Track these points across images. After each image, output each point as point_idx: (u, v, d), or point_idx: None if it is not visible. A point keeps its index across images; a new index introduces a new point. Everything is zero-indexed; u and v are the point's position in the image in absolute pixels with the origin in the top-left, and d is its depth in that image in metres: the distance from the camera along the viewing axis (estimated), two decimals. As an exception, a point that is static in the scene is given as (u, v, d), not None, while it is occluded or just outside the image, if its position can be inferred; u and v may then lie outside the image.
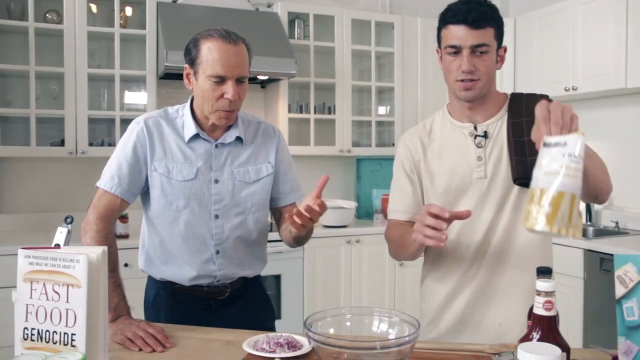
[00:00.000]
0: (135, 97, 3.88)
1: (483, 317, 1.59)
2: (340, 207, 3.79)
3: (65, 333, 1.14)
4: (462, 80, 1.53)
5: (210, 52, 1.59)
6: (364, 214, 4.36)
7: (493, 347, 1.38)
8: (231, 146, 1.73)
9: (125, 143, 1.71)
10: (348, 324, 1.32)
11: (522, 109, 1.59)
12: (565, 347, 1.08)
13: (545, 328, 1.09)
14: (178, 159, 1.69)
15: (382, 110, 4.53)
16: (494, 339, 1.51)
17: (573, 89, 3.66)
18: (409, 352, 1.19)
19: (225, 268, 1.72)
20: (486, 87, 1.56)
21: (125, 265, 3.10)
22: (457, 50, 1.51)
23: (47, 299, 1.16)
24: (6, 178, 3.67)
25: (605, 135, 3.86)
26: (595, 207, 3.85)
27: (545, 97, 1.57)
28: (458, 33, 1.50)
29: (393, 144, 4.33)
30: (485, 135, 1.60)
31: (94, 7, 3.68)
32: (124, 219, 3.35)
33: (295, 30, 4.11)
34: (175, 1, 3.83)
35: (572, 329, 3.18)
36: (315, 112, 4.16)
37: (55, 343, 1.15)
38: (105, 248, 1.20)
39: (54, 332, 1.15)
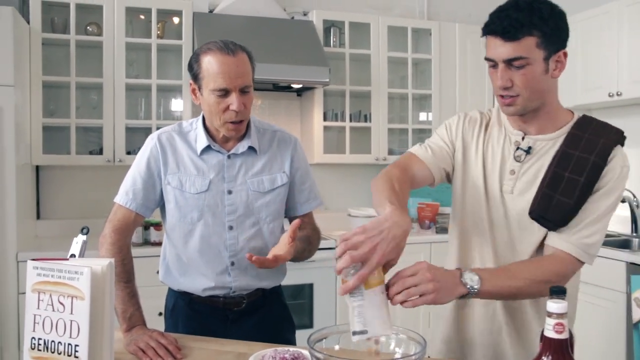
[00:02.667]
0: (171, 106, 3.95)
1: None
2: (371, 215, 3.74)
3: (69, 344, 1.16)
4: (502, 96, 1.40)
5: (210, 65, 1.59)
6: (400, 222, 4.29)
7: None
8: (244, 156, 1.73)
9: (140, 158, 1.74)
10: (355, 340, 1.28)
11: (582, 141, 1.39)
12: (577, 373, 1.02)
13: (557, 352, 1.03)
14: (191, 172, 1.70)
15: (419, 117, 4.46)
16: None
17: (617, 95, 3.52)
18: (415, 371, 1.15)
19: (240, 279, 1.72)
20: (532, 101, 1.38)
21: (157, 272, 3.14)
22: (494, 64, 1.38)
23: (53, 310, 1.18)
24: (47, 185, 3.79)
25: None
26: (642, 218, 3.68)
27: (619, 132, 1.42)
28: (492, 45, 1.36)
29: (430, 152, 4.25)
30: (529, 151, 1.45)
31: (141, 16, 3.78)
32: (158, 226, 3.40)
33: (331, 38, 4.09)
34: (211, 11, 3.88)
35: (615, 343, 3.04)
36: (350, 120, 4.13)
37: (60, 354, 1.16)
38: (112, 260, 1.21)
39: (59, 342, 1.17)
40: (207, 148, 1.70)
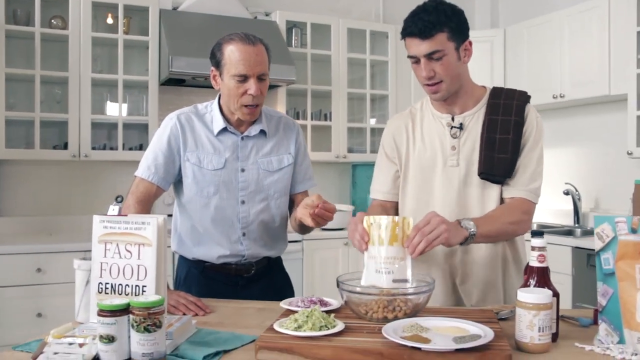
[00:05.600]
0: (137, 102, 4.14)
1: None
2: (338, 210, 4.07)
3: (136, 285, 1.41)
4: (428, 85, 1.76)
5: (232, 53, 1.88)
6: (359, 218, 4.64)
7: (494, 308, 1.68)
8: (256, 138, 2.02)
9: (161, 136, 1.99)
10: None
11: (500, 106, 1.80)
12: (555, 293, 1.38)
13: (539, 277, 1.39)
14: (208, 150, 1.97)
15: (376, 117, 4.86)
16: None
17: (561, 97, 4.03)
18: (425, 302, 1.48)
19: (251, 248, 2.00)
20: (453, 85, 1.76)
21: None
22: (416, 60, 1.73)
23: (120, 257, 1.43)
24: (10, 181, 3.90)
25: (591, 140, 4.24)
26: (582, 210, 4.20)
27: (524, 93, 1.84)
28: (412, 44, 1.72)
29: (387, 151, 4.65)
30: (461, 127, 1.82)
31: (109, 17, 3.98)
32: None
33: (293, 38, 4.42)
34: (175, 8, 4.12)
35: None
36: (311, 119, 4.48)
37: (127, 294, 1.42)
38: (165, 216, 1.48)
39: (126, 285, 1.42)
40: (223, 130, 1.97)
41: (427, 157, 1.86)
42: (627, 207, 3.66)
